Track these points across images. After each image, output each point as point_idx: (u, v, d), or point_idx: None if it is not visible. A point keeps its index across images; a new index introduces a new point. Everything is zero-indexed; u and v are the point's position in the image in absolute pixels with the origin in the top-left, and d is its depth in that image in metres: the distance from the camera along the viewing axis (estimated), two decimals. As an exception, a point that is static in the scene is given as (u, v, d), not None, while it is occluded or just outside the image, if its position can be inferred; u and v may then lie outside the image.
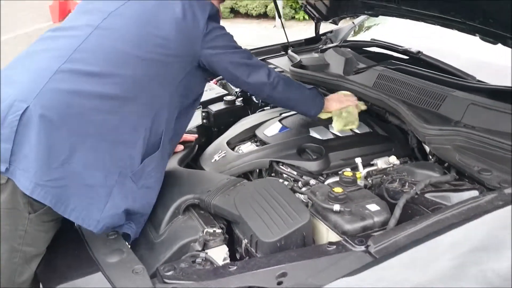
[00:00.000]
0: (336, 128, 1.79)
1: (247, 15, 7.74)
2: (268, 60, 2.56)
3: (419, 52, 2.07)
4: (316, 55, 2.54)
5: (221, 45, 1.59)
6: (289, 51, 2.55)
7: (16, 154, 1.29)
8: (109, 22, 1.48)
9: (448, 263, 1.06)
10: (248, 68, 1.64)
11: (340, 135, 1.82)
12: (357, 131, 1.86)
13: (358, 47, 2.40)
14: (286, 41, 2.68)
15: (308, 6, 2.57)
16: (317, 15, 2.62)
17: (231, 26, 7.30)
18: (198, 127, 2.04)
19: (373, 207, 1.38)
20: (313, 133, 1.83)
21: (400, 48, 2.15)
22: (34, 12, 8.94)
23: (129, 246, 1.46)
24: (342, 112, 1.79)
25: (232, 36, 1.65)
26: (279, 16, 2.58)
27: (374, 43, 2.33)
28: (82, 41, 1.42)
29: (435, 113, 1.77)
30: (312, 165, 1.67)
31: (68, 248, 1.47)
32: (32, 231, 1.38)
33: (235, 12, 7.96)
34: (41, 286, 1.45)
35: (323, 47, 2.54)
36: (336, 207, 1.35)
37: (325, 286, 1.08)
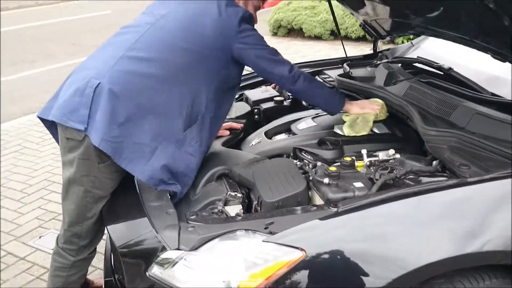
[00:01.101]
0: (345, 131, 2.09)
1: (346, 37, 8.05)
2: (325, 71, 2.90)
3: (450, 68, 2.31)
4: (369, 69, 2.83)
5: (251, 42, 1.95)
6: (344, 64, 2.87)
7: (91, 117, 1.75)
8: (161, 22, 1.93)
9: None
10: (272, 62, 1.99)
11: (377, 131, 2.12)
12: (376, 131, 2.14)
13: (405, 63, 2.67)
14: (345, 55, 3.00)
15: (366, 25, 2.89)
16: (374, 34, 2.92)
17: (330, 48, 7.70)
18: (249, 120, 2.42)
19: (358, 184, 1.68)
20: (337, 130, 2.15)
21: (435, 64, 2.40)
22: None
23: (176, 201, 1.87)
24: (358, 117, 2.09)
25: (261, 37, 2.01)
26: (338, 33, 2.91)
27: (416, 59, 2.58)
28: (140, 36, 1.89)
29: (445, 119, 2.01)
30: (327, 153, 1.99)
31: (127, 195, 1.92)
32: (100, 177, 1.85)
33: (334, 34, 8.32)
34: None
35: (377, 62, 2.83)
36: (326, 180, 1.68)
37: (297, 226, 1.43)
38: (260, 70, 2.03)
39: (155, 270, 1.57)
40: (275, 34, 9.03)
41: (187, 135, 1.89)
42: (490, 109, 1.91)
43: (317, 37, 8.45)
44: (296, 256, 1.39)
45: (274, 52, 2.02)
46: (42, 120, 1.92)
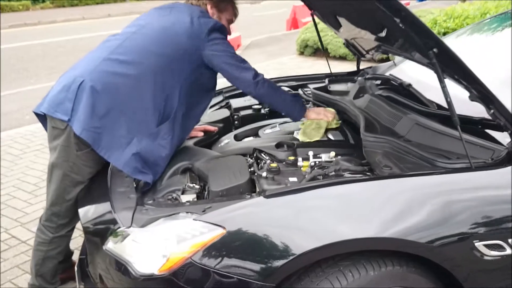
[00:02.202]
0: (299, 138, 2.30)
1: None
2: (309, 85, 3.13)
3: (409, 85, 2.50)
4: (348, 84, 3.04)
5: (219, 49, 2.22)
6: (326, 79, 3.09)
7: (74, 110, 2.04)
8: (141, 31, 2.24)
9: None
10: (237, 68, 2.23)
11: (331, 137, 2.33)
12: (331, 137, 2.35)
13: (379, 79, 2.86)
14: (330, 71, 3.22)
15: (348, 44, 3.10)
16: (356, 52, 3.12)
17: (353, 68, 7.88)
18: (226, 125, 2.67)
19: (292, 179, 1.90)
20: (296, 135, 2.37)
21: (398, 81, 2.59)
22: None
23: (147, 189, 2.12)
24: (312, 124, 2.31)
25: (229, 45, 2.27)
26: (322, 48, 3.13)
27: (386, 77, 2.78)
28: (122, 41, 2.19)
29: (390, 129, 2.20)
30: (281, 154, 2.20)
31: (101, 182, 2.20)
32: (78, 163, 2.14)
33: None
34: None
35: (355, 78, 3.04)
36: (264, 174, 1.91)
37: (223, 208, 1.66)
38: (226, 75, 2.26)
39: (109, 245, 1.82)
40: (301, 53, 9.29)
41: (161, 129, 2.15)
42: (430, 120, 2.09)
43: (342, 58, 8.65)
44: (218, 232, 1.62)
45: (241, 59, 2.27)
46: (36, 114, 2.22)
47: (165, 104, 2.16)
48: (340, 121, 2.42)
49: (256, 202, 1.67)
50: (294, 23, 12.83)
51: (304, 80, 3.21)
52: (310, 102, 2.78)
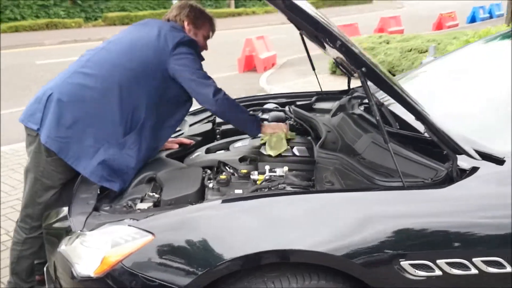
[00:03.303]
0: (269, 152, 2.33)
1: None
2: (297, 102, 3.17)
3: (382, 104, 2.50)
4: (335, 102, 3.06)
5: (183, 63, 2.29)
6: (313, 98, 3.12)
7: (43, 120, 2.19)
8: (110, 46, 2.35)
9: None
10: (199, 84, 2.29)
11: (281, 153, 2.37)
12: (297, 153, 2.38)
13: (361, 98, 2.87)
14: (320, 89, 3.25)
15: (337, 63, 3.13)
16: (345, 71, 3.15)
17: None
18: (205, 138, 2.75)
19: (237, 191, 1.96)
20: (262, 150, 2.41)
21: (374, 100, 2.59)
22: (223, 63, 10.63)
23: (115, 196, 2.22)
24: (273, 137, 2.35)
25: (196, 60, 2.34)
26: (313, 68, 3.16)
27: (364, 96, 2.79)
28: (91, 56, 2.31)
29: (350, 146, 2.22)
30: (241, 167, 2.26)
31: (71, 187, 2.32)
32: (48, 169, 2.27)
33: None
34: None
35: (344, 97, 3.06)
36: (211, 185, 1.97)
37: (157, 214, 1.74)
38: (189, 89, 2.33)
39: (62, 247, 1.92)
40: (333, 72, 9.28)
41: (127, 140, 2.25)
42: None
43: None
44: (147, 238, 1.69)
45: (204, 75, 2.33)
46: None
47: (132, 116, 2.25)
48: (294, 133, 2.50)
49: (183, 211, 1.74)
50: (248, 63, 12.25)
51: (294, 98, 3.26)
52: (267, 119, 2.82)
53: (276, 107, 3.07)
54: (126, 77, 2.25)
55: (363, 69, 1.69)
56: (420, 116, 1.71)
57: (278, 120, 2.82)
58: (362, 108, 2.64)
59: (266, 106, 3.10)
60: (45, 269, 2.32)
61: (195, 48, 2.40)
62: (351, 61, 1.74)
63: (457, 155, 1.76)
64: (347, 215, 1.67)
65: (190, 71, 2.29)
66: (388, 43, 9.16)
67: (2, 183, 4.19)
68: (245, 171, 2.11)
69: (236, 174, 2.14)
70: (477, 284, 1.67)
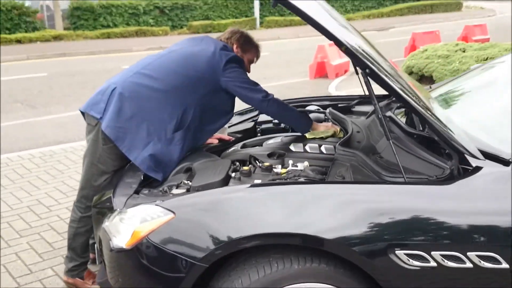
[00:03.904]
0: (307, 135, 2.61)
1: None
2: (339, 104, 3.29)
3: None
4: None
5: (234, 76, 2.57)
6: (356, 101, 3.24)
7: (105, 110, 2.50)
8: (170, 54, 2.65)
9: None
10: (250, 90, 2.58)
11: (308, 150, 2.52)
12: (324, 151, 2.52)
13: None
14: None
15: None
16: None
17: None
18: (245, 135, 2.96)
19: (257, 181, 2.14)
20: (291, 146, 2.57)
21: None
22: (295, 69, 10.81)
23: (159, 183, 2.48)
24: (321, 133, 2.58)
25: (244, 72, 2.62)
26: (356, 73, 3.27)
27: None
28: (153, 60, 2.62)
29: (373, 146, 2.33)
30: (270, 161, 2.44)
31: (122, 173, 2.62)
32: (103, 155, 2.58)
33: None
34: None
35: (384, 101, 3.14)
36: (233, 174, 2.17)
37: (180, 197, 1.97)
38: (241, 96, 2.62)
39: (105, 223, 2.21)
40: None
41: (175, 137, 2.52)
42: (405, 140, 2.19)
43: (447, 85, 8.40)
44: (169, 216, 1.92)
45: (253, 83, 2.62)
46: (81, 112, 2.71)
47: (181, 116, 2.53)
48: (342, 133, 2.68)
49: (196, 194, 1.95)
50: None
51: (337, 100, 3.38)
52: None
53: (318, 109, 3.21)
54: (181, 83, 2.54)
55: (367, 70, 1.82)
56: (421, 116, 1.81)
57: (316, 121, 2.97)
58: (394, 111, 2.72)
59: (308, 108, 3.25)
60: (96, 245, 2.63)
61: (242, 65, 2.68)
62: (356, 62, 1.86)
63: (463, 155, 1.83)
64: (348, 205, 1.80)
65: (241, 81, 2.59)
66: (464, 51, 8.90)
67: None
68: (267, 164, 2.29)
69: (260, 167, 2.33)
70: (472, 278, 1.74)
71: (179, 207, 1.94)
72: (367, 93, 3.24)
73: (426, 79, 8.90)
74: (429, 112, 1.84)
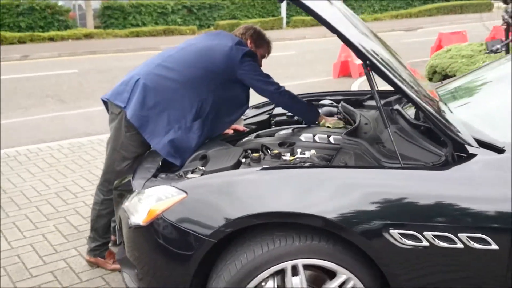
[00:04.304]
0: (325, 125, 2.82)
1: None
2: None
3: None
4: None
5: (249, 69, 2.73)
6: (367, 96, 3.35)
7: (129, 100, 2.67)
8: (189, 47, 2.82)
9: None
10: (263, 82, 2.75)
11: (317, 140, 2.64)
12: (332, 141, 2.64)
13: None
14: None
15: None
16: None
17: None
18: (259, 127, 3.10)
19: (265, 166, 2.28)
20: (301, 136, 2.70)
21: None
22: (319, 68, 10.90)
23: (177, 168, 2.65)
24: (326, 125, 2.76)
25: (258, 66, 2.79)
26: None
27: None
28: (174, 53, 2.79)
29: (377, 136, 2.44)
30: (279, 149, 2.57)
31: (141, 159, 2.79)
32: (126, 142, 2.75)
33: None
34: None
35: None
36: (243, 160, 2.32)
37: (192, 179, 2.12)
38: (255, 88, 2.79)
39: (125, 203, 2.38)
40: (430, 79, 9.15)
41: (194, 125, 2.69)
42: (408, 131, 2.30)
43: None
44: (182, 196, 2.07)
45: (267, 76, 2.79)
46: (103, 101, 2.90)
47: (200, 106, 2.70)
48: (341, 124, 2.83)
49: (208, 176, 2.10)
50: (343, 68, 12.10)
51: (350, 95, 3.50)
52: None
53: (331, 103, 3.33)
54: (199, 75, 2.71)
55: (368, 62, 1.94)
56: (417, 106, 1.92)
57: (329, 114, 3.10)
58: (403, 105, 2.83)
59: (322, 102, 3.37)
60: (116, 226, 2.81)
61: (256, 59, 2.85)
62: (357, 54, 1.98)
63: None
64: (347, 188, 1.93)
65: (255, 73, 2.76)
66: (489, 51, 8.85)
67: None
68: (276, 151, 2.43)
69: (269, 155, 2.46)
70: (463, 258, 1.84)
71: (191, 188, 2.09)
72: (377, 88, 3.40)
73: (449, 78, 8.88)
74: (426, 102, 1.95)
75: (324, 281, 2.03)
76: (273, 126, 3.18)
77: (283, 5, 20.23)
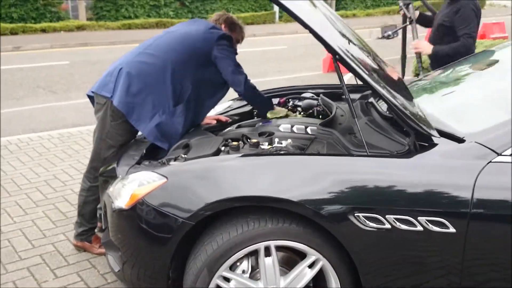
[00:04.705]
0: (268, 115, 3.08)
1: None
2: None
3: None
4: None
5: (224, 53, 2.90)
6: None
7: (115, 89, 2.80)
8: (169, 34, 2.98)
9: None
10: (233, 71, 2.91)
11: (295, 130, 2.77)
12: (309, 131, 2.76)
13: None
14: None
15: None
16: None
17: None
18: (242, 118, 3.23)
19: (239, 154, 2.41)
20: (280, 127, 2.82)
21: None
22: (310, 63, 11.02)
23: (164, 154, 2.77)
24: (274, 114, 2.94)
25: (233, 52, 2.95)
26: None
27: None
28: (154, 40, 2.94)
29: (350, 127, 2.58)
30: (258, 139, 2.70)
31: (126, 147, 2.91)
32: (111, 131, 2.87)
33: None
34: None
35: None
36: (222, 148, 2.45)
37: (173, 165, 2.25)
38: (225, 72, 2.94)
39: (110, 189, 2.50)
40: (417, 75, 9.31)
41: (177, 109, 2.85)
42: (379, 122, 2.44)
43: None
44: (162, 181, 2.20)
45: (239, 65, 2.93)
46: (88, 96, 3.02)
47: (180, 90, 2.86)
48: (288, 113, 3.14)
49: (188, 163, 2.23)
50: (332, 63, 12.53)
51: (331, 89, 3.62)
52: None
53: (312, 96, 3.45)
54: (178, 59, 2.86)
55: (337, 56, 2.07)
56: (382, 98, 2.05)
57: (309, 106, 3.24)
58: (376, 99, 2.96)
59: (303, 95, 3.50)
60: (99, 211, 2.93)
61: (231, 43, 2.97)
62: (327, 49, 2.11)
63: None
64: (316, 174, 2.06)
65: (228, 59, 2.91)
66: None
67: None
68: (255, 140, 2.55)
69: (248, 143, 2.59)
70: (423, 240, 1.98)
71: (171, 173, 2.22)
72: (357, 83, 3.52)
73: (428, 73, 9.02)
74: (391, 95, 2.08)
75: (297, 262, 2.17)
76: (255, 117, 3.30)
77: (276, 0, 20.27)
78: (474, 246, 1.96)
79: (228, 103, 3.62)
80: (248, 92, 2.98)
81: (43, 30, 15.63)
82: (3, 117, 6.51)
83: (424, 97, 2.77)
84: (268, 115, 3.10)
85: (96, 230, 3.20)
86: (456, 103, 2.50)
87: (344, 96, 2.08)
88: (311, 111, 3.22)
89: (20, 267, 2.98)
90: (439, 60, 3.87)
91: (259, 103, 3.12)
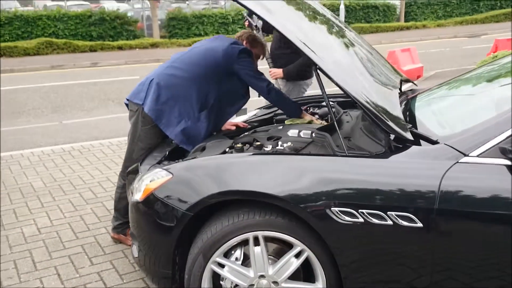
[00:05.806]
0: (286, 122, 3.22)
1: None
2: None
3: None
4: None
5: (244, 65, 3.19)
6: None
7: (146, 97, 3.17)
8: (194, 50, 3.31)
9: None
10: (256, 79, 3.20)
11: (301, 135, 2.99)
12: (302, 136, 2.97)
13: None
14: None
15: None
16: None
17: None
18: (263, 124, 3.50)
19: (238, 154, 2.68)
20: (289, 132, 3.06)
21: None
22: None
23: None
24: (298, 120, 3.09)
25: (252, 63, 3.24)
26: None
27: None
28: (181, 56, 3.29)
29: (348, 131, 2.77)
30: (267, 143, 2.95)
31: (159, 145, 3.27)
32: (142, 135, 3.24)
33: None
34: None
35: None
36: (227, 150, 2.73)
37: (180, 163, 2.57)
38: (249, 82, 3.25)
39: (133, 184, 2.85)
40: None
41: (201, 116, 3.18)
42: (369, 126, 2.62)
43: None
44: (169, 176, 2.51)
45: (259, 73, 3.25)
46: (126, 104, 3.42)
47: (205, 99, 3.19)
48: (316, 122, 3.23)
49: (192, 161, 2.54)
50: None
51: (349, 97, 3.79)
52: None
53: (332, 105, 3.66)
54: (203, 72, 3.19)
55: (317, 66, 2.29)
56: (358, 104, 2.25)
57: (325, 114, 3.46)
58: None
59: (323, 103, 3.71)
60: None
61: (252, 56, 3.29)
62: (307, 59, 2.35)
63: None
64: (299, 171, 2.28)
65: (249, 69, 3.21)
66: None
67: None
68: (258, 143, 2.81)
69: (252, 146, 2.85)
70: (393, 233, 2.14)
71: (176, 170, 2.53)
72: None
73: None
74: (369, 102, 2.27)
75: (285, 252, 2.39)
76: (274, 124, 3.56)
77: (342, 10, 20.38)
78: (441, 241, 2.10)
79: (254, 111, 3.91)
80: (273, 96, 3.26)
81: (120, 48, 16.76)
82: (73, 126, 7.18)
83: (422, 103, 2.90)
84: (286, 122, 3.33)
85: (130, 224, 3.58)
86: (441, 109, 2.63)
87: (325, 102, 2.28)
88: (327, 118, 3.43)
89: (63, 255, 3.40)
90: (294, 76, 4.44)
91: (285, 107, 3.36)
